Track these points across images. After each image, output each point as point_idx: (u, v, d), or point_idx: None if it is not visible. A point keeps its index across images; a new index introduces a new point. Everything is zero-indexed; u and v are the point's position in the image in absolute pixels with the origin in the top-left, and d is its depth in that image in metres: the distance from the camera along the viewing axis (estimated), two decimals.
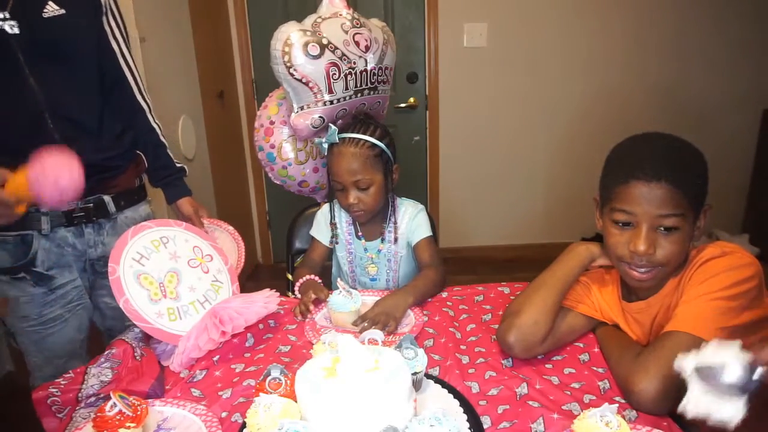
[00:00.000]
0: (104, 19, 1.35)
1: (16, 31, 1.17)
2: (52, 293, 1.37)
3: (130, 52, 1.42)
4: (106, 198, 1.39)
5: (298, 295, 1.41)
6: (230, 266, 1.35)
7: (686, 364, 0.75)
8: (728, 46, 3.27)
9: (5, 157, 1.18)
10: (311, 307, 1.32)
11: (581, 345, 1.15)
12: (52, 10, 1.21)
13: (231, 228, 1.63)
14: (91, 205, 1.36)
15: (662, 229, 0.97)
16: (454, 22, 3.22)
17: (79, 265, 1.40)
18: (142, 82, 1.47)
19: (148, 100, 1.47)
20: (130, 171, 1.46)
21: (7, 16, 1.16)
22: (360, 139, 1.39)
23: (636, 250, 0.97)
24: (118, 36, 1.38)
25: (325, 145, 1.43)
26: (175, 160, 1.54)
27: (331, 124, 1.41)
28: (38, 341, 1.39)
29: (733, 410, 0.70)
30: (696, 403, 0.72)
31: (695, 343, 0.91)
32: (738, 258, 0.97)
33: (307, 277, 1.45)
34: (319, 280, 1.45)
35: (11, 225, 1.23)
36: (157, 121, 1.49)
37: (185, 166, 1.56)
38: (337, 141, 1.40)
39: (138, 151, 1.50)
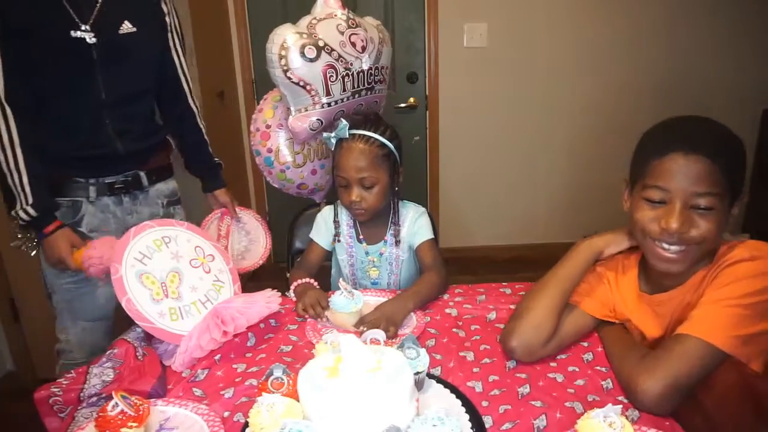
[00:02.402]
0: (168, 35, 1.59)
1: (94, 41, 1.39)
2: None
3: (186, 63, 1.67)
4: (141, 173, 1.59)
5: (293, 296, 1.41)
6: (232, 267, 1.35)
7: None
8: (728, 46, 3.28)
9: (67, 145, 1.44)
10: (321, 314, 1.30)
11: (585, 344, 1.15)
12: (126, 28, 1.45)
13: (258, 216, 1.86)
14: (130, 178, 1.56)
15: (697, 208, 0.93)
16: (454, 22, 3.22)
17: (119, 234, 1.52)
18: (192, 88, 1.71)
19: (196, 104, 1.72)
20: (162, 153, 1.67)
21: (88, 28, 1.38)
22: (370, 137, 1.39)
23: (668, 227, 0.93)
24: (179, 49, 1.63)
25: (333, 141, 1.42)
26: (214, 156, 1.78)
27: (342, 119, 1.41)
28: (70, 300, 1.53)
29: None
30: None
31: (705, 349, 0.89)
32: (765, 264, 0.93)
33: (304, 280, 1.44)
34: (315, 283, 1.44)
35: (65, 192, 1.48)
36: (203, 122, 1.75)
37: (222, 162, 1.81)
38: (347, 137, 1.39)
39: (168, 137, 1.72)
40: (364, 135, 1.39)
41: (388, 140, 1.41)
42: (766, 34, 3.27)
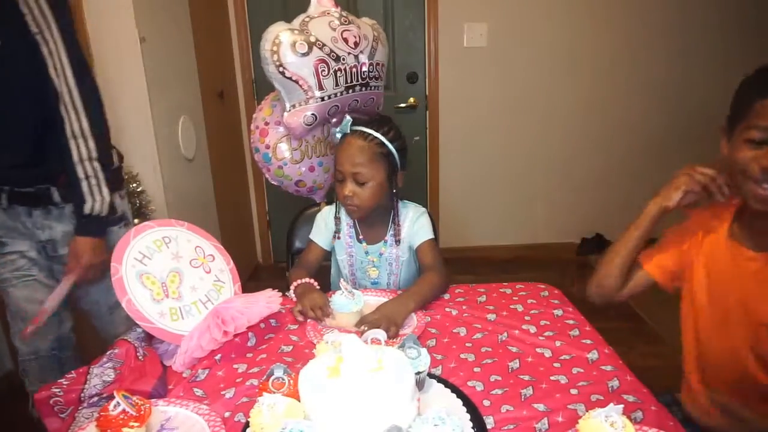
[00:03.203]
0: (44, 49, 1.31)
1: None
2: (3, 257, 1.52)
3: (77, 84, 1.36)
4: (53, 189, 1.46)
5: (292, 296, 1.40)
6: (232, 267, 1.35)
7: None
8: (731, 47, 3.27)
9: None
10: (322, 317, 1.29)
11: (588, 342, 1.15)
12: None
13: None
14: (33, 190, 1.45)
15: None
16: (454, 22, 3.22)
17: (32, 244, 1.52)
18: (80, 111, 1.37)
19: (82, 137, 1.39)
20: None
21: None
22: (369, 134, 1.40)
23: None
24: (59, 67, 1.33)
25: (338, 136, 1.44)
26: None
27: (347, 115, 1.43)
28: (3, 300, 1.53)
29: None
30: None
31: None
32: None
33: (304, 280, 1.44)
34: (315, 283, 1.43)
35: None
36: (84, 155, 1.40)
37: (100, 212, 1.45)
38: (349, 132, 1.40)
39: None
40: (364, 131, 1.40)
41: (388, 141, 1.41)
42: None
